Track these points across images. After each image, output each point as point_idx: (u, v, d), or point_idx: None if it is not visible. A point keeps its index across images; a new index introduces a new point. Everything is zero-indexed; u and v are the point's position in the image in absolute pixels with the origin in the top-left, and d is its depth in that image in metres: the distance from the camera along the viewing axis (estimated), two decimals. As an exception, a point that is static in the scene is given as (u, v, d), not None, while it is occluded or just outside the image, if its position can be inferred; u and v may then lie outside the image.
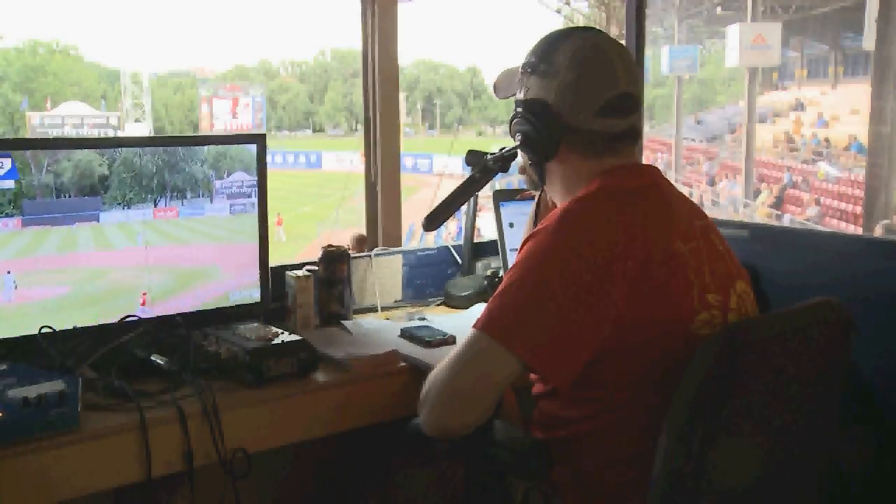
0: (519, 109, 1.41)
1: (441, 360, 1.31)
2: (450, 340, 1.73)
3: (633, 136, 1.40)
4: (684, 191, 1.66)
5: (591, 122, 1.35)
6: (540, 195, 1.57)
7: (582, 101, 1.35)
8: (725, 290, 1.32)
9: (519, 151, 1.49)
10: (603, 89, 1.34)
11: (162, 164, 1.71)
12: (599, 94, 1.34)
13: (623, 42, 2.15)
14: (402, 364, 1.65)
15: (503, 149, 1.65)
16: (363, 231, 2.45)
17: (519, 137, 1.42)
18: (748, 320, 1.33)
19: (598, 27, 2.19)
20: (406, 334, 1.78)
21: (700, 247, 1.31)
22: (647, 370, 1.25)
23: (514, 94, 1.45)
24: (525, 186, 1.60)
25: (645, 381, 1.25)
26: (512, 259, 2.16)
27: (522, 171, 1.52)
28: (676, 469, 1.14)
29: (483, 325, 1.26)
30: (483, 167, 1.68)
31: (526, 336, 1.23)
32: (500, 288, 1.30)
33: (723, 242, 1.39)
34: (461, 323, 1.87)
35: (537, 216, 1.56)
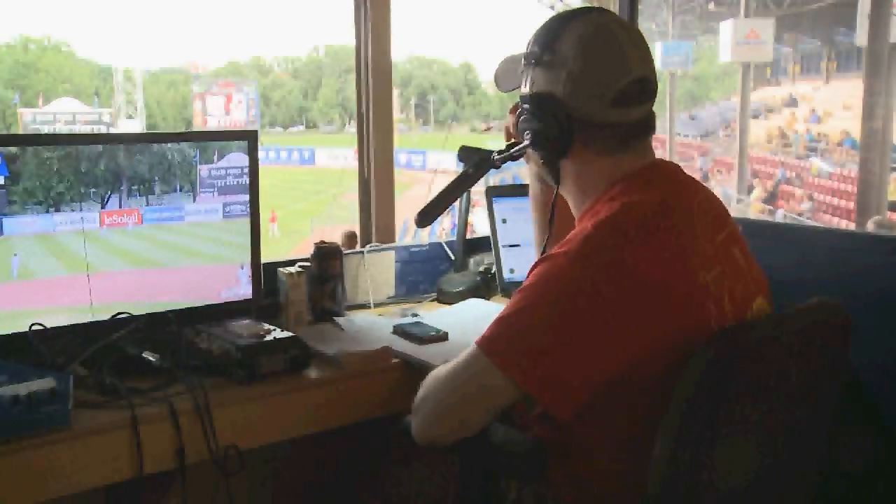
0: (525, 105, 1.31)
1: (437, 361, 1.28)
2: (442, 337, 1.73)
3: (648, 127, 1.31)
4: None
5: (606, 113, 1.25)
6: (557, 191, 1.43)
7: (594, 91, 1.25)
8: (741, 314, 1.25)
9: (530, 151, 1.38)
10: (616, 77, 1.24)
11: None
12: (613, 83, 1.24)
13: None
14: (395, 360, 1.65)
15: (510, 145, 1.48)
16: (357, 227, 2.45)
17: (528, 136, 1.32)
18: (746, 323, 1.27)
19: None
20: (399, 331, 1.78)
21: (723, 272, 1.23)
22: (651, 398, 1.17)
23: (518, 87, 1.36)
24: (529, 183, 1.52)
25: (648, 402, 1.18)
26: (504, 254, 2.17)
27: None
28: (672, 469, 1.13)
29: (487, 347, 1.19)
30: (477, 163, 1.63)
31: (528, 365, 1.17)
32: (509, 308, 1.22)
33: (744, 253, 1.31)
34: (454, 319, 1.87)
35: (553, 215, 1.42)
